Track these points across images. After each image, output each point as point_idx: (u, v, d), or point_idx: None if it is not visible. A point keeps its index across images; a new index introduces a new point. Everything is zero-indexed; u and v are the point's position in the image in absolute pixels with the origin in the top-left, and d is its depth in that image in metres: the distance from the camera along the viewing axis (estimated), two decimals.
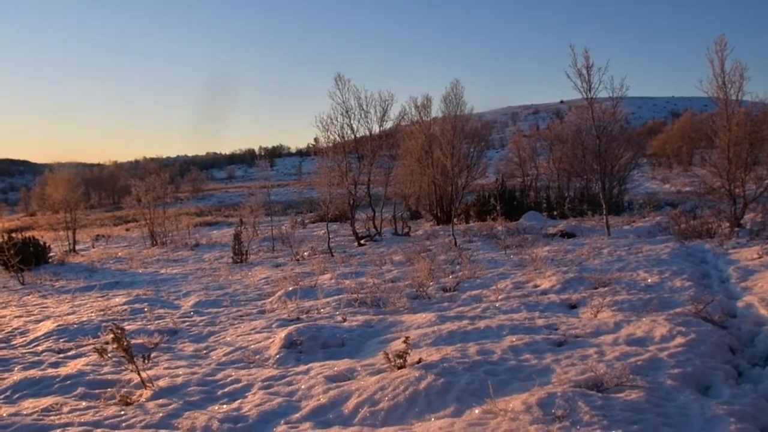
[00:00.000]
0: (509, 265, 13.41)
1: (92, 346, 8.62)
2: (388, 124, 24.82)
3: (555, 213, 26.20)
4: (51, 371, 7.60)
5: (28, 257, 20.26)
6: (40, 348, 9.00)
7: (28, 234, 25.75)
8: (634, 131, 39.52)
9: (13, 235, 23.55)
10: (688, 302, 8.23)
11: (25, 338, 9.79)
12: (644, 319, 7.47)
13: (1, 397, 6.86)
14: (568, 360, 6.20)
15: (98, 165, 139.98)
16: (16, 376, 7.49)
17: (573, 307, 9.04)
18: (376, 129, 23.90)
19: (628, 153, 25.31)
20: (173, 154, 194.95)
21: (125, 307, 11.76)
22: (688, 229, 15.93)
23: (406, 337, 6.67)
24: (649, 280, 10.21)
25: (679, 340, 6.51)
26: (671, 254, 12.70)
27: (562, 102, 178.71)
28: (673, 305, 8.34)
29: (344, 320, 9.11)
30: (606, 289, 9.75)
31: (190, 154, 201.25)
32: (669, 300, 8.70)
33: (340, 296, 11.06)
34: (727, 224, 16.23)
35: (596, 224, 19.85)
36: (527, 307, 8.99)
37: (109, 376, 7.16)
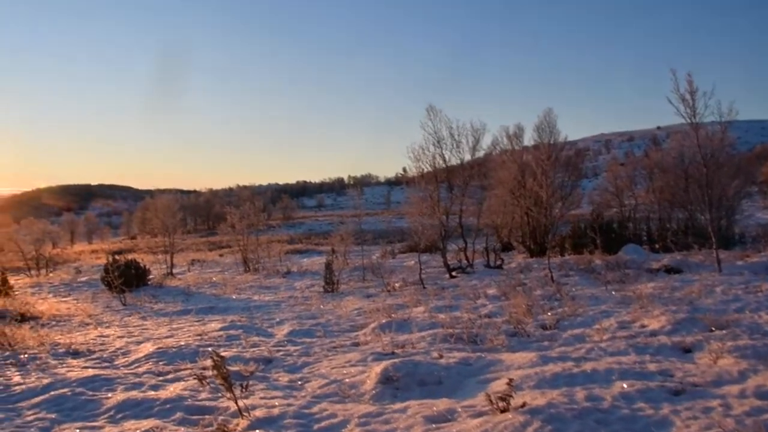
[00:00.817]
0: (611, 302, 12.72)
1: (190, 371, 8.86)
2: (480, 154, 24.46)
3: (657, 246, 25.08)
4: (151, 393, 7.81)
5: (130, 279, 21.15)
6: (141, 369, 9.28)
7: (129, 256, 27.02)
8: (743, 157, 37.64)
9: (116, 257, 24.81)
10: None
11: (126, 359, 10.14)
12: None
13: (105, 416, 7.08)
14: (688, 412, 5.66)
15: (195, 192, 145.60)
16: (119, 396, 7.73)
17: (687, 351, 8.32)
18: (467, 158, 23.60)
19: (737, 181, 24.01)
20: (264, 182, 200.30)
21: (221, 333, 11.96)
22: None
23: (510, 379, 6.28)
24: None
25: None
26: None
27: (658, 128, 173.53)
28: None
29: (440, 357, 8.76)
30: (724, 332, 8.95)
31: (281, 182, 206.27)
32: None
33: (435, 331, 10.73)
34: None
35: (704, 259, 18.68)
36: (636, 350, 8.38)
37: (207, 403, 7.25)
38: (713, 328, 9.26)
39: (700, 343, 8.42)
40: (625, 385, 6.52)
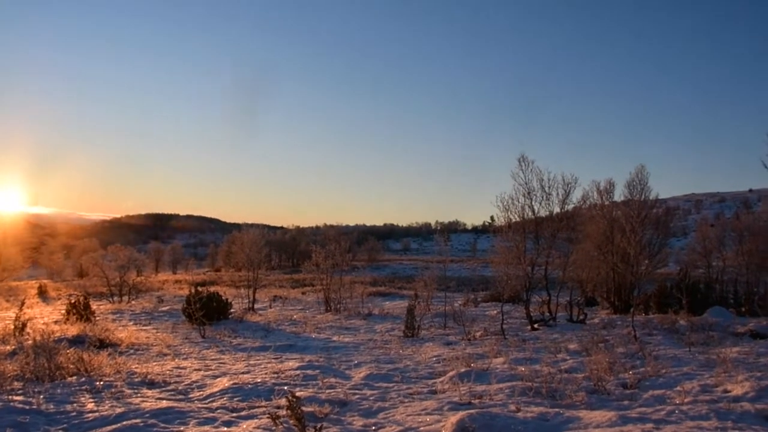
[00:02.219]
0: (694, 364, 12.67)
1: (264, 409, 8.88)
2: (569, 207, 24.54)
3: (743, 310, 24.54)
4: (224, 429, 7.91)
5: (211, 312, 21.20)
6: (215, 404, 9.29)
7: (212, 288, 27.14)
8: None
9: (199, 288, 24.87)
10: None
11: (201, 392, 10.20)
12: None
13: None
14: None
15: (281, 228, 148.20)
16: (192, 430, 7.86)
17: None
18: (556, 211, 23.70)
19: None
20: (352, 222, 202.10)
21: (298, 372, 11.94)
22: None
23: None
24: None
25: None
26: None
27: (750, 191, 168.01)
28: None
29: (518, 410, 8.81)
30: None
31: (368, 224, 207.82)
32: None
33: (514, 383, 10.77)
34: None
35: None
36: (717, 415, 8.41)
37: None
38: None
39: None
40: None
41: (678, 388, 10.13)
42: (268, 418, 7.43)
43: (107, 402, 9.22)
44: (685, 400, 9.41)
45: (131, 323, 22.55)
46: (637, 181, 24.89)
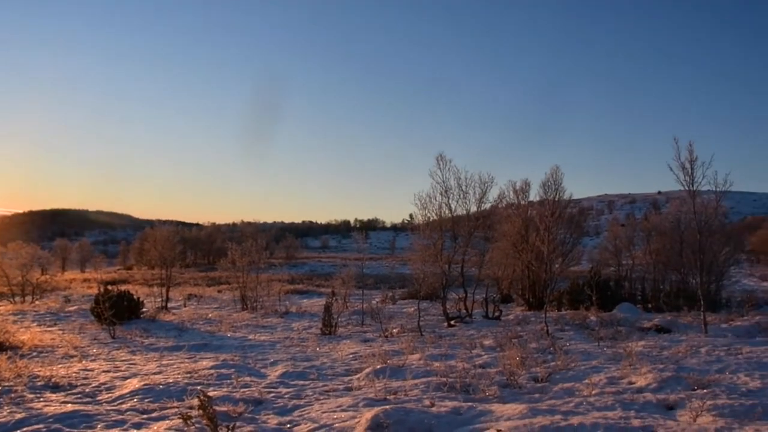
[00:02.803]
0: (603, 358, 13.14)
1: (176, 409, 8.69)
2: (486, 206, 24.94)
3: (650, 306, 25.56)
4: None
5: (121, 311, 20.55)
6: (124, 406, 9.04)
7: (123, 287, 26.16)
8: (734, 226, 38.38)
9: (109, 287, 24.03)
10: None
11: (110, 394, 9.90)
12: (747, 427, 7.19)
13: None
14: None
15: (197, 225, 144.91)
16: None
17: (670, 408, 8.75)
18: (473, 210, 24.06)
19: (727, 248, 24.58)
20: (270, 220, 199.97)
21: (212, 371, 11.79)
22: None
23: (498, 430, 6.60)
24: (751, 385, 9.81)
25: None
26: None
27: (659, 193, 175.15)
28: None
29: (432, 405, 8.90)
30: (705, 391, 9.41)
31: (286, 221, 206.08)
32: None
33: (429, 379, 10.90)
34: None
35: (692, 320, 19.23)
36: (622, 406, 8.75)
37: None
38: (695, 387, 9.73)
39: (683, 401, 8.83)
40: None
41: (586, 380, 10.46)
42: (179, 418, 7.19)
43: (6, 408, 8.78)
44: (593, 392, 9.73)
45: (35, 324, 21.49)
46: (551, 181, 25.56)
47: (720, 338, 15.55)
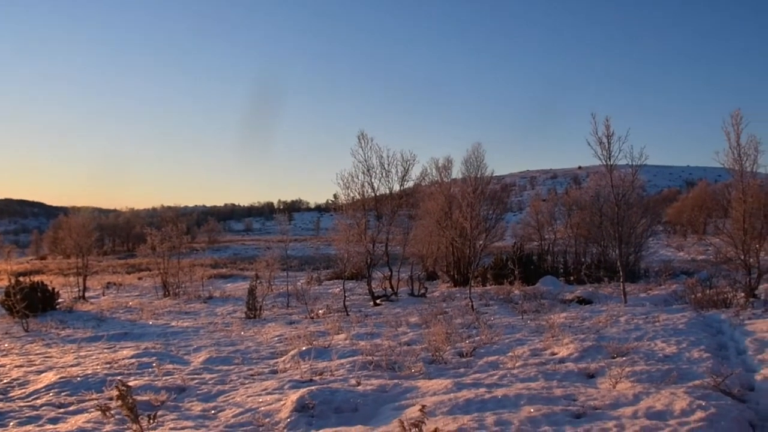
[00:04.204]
0: (526, 330, 13.34)
1: (95, 401, 8.34)
2: (409, 184, 24.96)
3: (572, 278, 26.10)
4: (49, 427, 7.42)
5: (35, 303, 19.90)
6: (39, 401, 8.70)
7: (36, 278, 24.97)
8: (651, 199, 39.56)
9: (21, 278, 23.06)
10: (707, 374, 8.17)
11: (24, 390, 9.46)
12: (663, 391, 7.37)
13: None
14: None
15: (114, 211, 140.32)
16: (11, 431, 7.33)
17: (591, 376, 8.95)
18: (396, 188, 24.05)
19: (645, 220, 25.30)
20: (191, 204, 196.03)
21: (133, 360, 11.50)
22: (704, 298, 15.88)
23: (423, 405, 6.55)
24: (667, 351, 10.14)
25: (699, 414, 6.43)
26: (688, 324, 12.62)
27: (579, 168, 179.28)
28: (691, 377, 8.30)
29: (358, 384, 8.91)
30: (624, 358, 9.67)
31: (208, 204, 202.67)
32: (687, 371, 8.64)
33: (355, 358, 10.90)
34: (743, 294, 16.16)
35: (613, 291, 19.77)
36: (545, 376, 8.90)
37: None
38: (615, 355, 9.97)
39: (603, 369, 9.05)
40: (532, 410, 6.91)
41: (510, 353, 10.62)
42: (98, 410, 6.70)
43: None
44: (516, 364, 9.85)
45: None
46: (473, 158, 25.70)
47: (639, 307, 16.00)
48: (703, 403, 6.71)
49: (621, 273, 18.13)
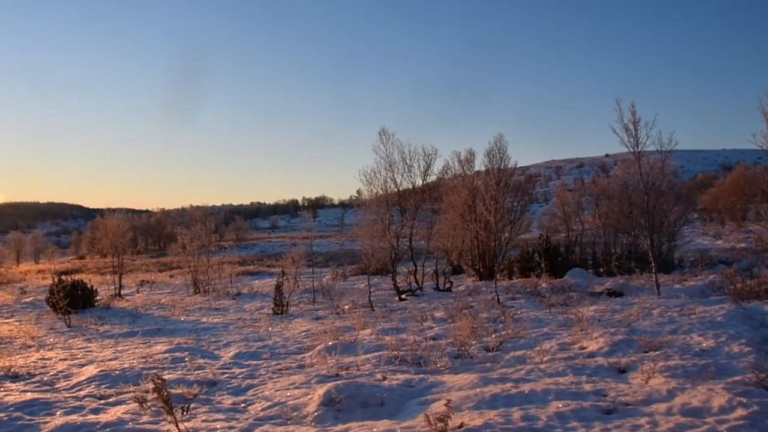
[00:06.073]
0: (554, 324, 13.07)
1: (133, 394, 8.48)
2: (432, 178, 24.78)
3: (601, 270, 25.68)
4: (92, 417, 7.54)
5: (76, 300, 20.48)
6: (82, 393, 9.02)
7: (76, 277, 25.92)
8: (684, 185, 38.91)
9: (63, 277, 23.76)
10: (748, 370, 7.79)
11: (68, 382, 9.84)
12: (700, 387, 7.03)
13: None
14: (618, 430, 5.89)
15: (146, 211, 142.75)
16: (58, 420, 7.44)
17: (622, 371, 8.63)
18: (419, 183, 23.91)
19: (678, 208, 24.79)
20: (218, 203, 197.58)
21: (166, 355, 11.72)
22: (745, 289, 15.33)
23: (448, 400, 6.38)
24: (704, 345, 9.75)
25: (740, 412, 6.10)
26: (727, 316, 12.12)
27: (607, 156, 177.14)
28: (731, 373, 7.95)
29: (384, 378, 8.82)
30: (657, 353, 9.34)
31: (235, 203, 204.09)
32: (726, 367, 8.29)
33: (381, 353, 10.78)
34: None
35: (645, 283, 19.30)
36: (573, 371, 8.64)
37: (148, 426, 7.07)
38: (647, 350, 9.63)
39: (634, 364, 8.74)
40: (560, 405, 6.67)
41: (537, 348, 10.34)
42: (135, 402, 7.06)
43: None
44: (544, 359, 9.59)
45: None
46: (496, 149, 25.45)
47: (673, 299, 15.52)
48: (745, 400, 6.37)
49: (653, 263, 17.64)
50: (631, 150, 17.35)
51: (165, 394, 6.24)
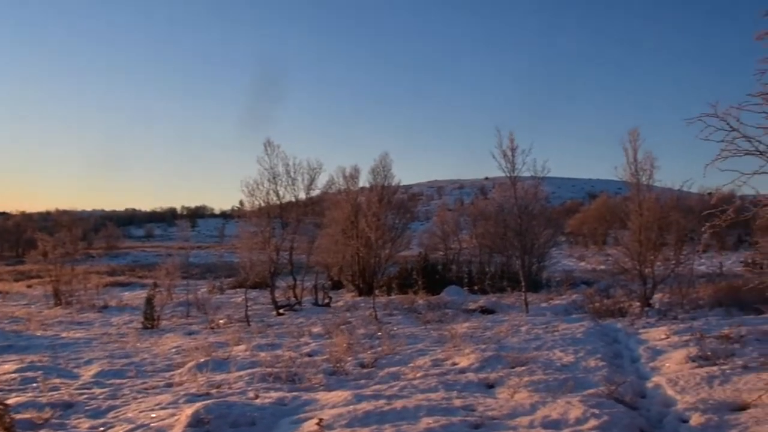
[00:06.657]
0: (429, 341, 13.36)
1: None
2: (315, 192, 24.85)
3: (476, 288, 26.39)
4: None
5: None
6: None
7: None
8: (554, 210, 40.73)
9: None
10: (602, 383, 8.37)
11: None
12: (559, 400, 7.47)
13: None
14: None
15: (3, 214, 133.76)
16: None
17: (491, 386, 8.98)
18: (302, 196, 23.91)
19: (548, 231, 25.94)
20: (89, 207, 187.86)
21: (15, 375, 10.87)
22: (602, 307, 16.51)
23: (320, 419, 6.44)
24: (565, 360, 10.35)
25: (593, 422, 6.56)
26: (586, 333, 13.00)
27: (486, 179, 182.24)
28: (587, 386, 8.48)
29: (257, 397, 8.69)
30: (523, 368, 9.78)
31: (107, 209, 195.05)
32: (584, 380, 8.83)
33: (255, 370, 10.61)
34: (638, 304, 16.89)
35: (515, 301, 20.12)
36: (445, 387, 8.87)
37: None
38: (514, 365, 10.08)
39: (502, 379, 9.13)
40: (431, 421, 6.85)
41: (411, 364, 10.62)
42: None
43: None
44: (417, 375, 9.81)
45: None
46: (380, 167, 25.87)
47: (539, 317, 16.36)
48: (597, 411, 6.82)
49: (523, 283, 18.49)
50: (508, 175, 18.28)
51: (7, 420, 5.87)
